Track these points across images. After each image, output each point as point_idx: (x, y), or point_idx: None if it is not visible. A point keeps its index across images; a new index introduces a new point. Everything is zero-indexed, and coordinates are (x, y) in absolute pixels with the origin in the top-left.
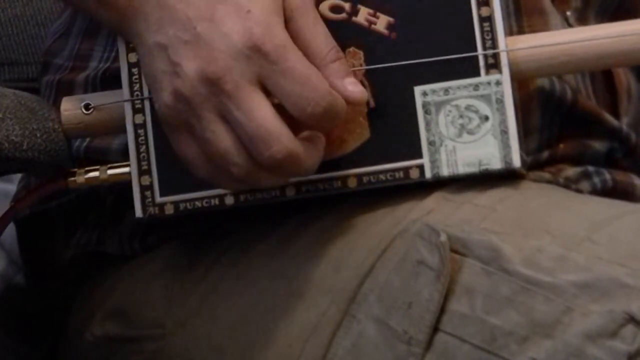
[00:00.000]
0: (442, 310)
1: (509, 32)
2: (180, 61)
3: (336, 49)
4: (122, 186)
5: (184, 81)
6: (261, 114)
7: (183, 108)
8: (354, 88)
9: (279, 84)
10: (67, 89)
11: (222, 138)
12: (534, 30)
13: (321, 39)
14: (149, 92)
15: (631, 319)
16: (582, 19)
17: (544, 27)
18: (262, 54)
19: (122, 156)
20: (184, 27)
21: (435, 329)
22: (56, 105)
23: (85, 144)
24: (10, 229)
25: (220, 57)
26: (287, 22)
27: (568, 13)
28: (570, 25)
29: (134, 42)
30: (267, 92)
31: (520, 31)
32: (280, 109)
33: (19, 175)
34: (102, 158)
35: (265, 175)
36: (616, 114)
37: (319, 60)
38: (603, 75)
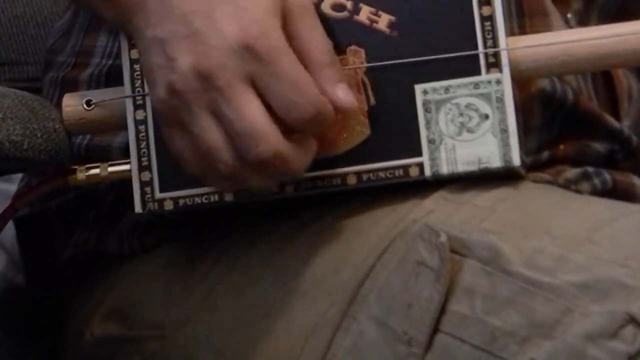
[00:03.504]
0: (442, 310)
1: (511, 33)
2: (176, 55)
3: (331, 53)
4: (122, 185)
5: (177, 75)
6: (250, 112)
7: (176, 102)
8: (344, 96)
9: (269, 86)
10: (71, 86)
11: (210, 134)
12: (535, 31)
13: (318, 42)
14: None
15: (631, 320)
16: (583, 21)
17: (546, 28)
18: (254, 54)
19: (124, 155)
20: (182, 22)
21: (435, 329)
22: (57, 105)
23: (86, 142)
24: (11, 230)
25: (215, 53)
26: (285, 24)
27: (569, 15)
28: (571, 27)
29: (134, 37)
30: (259, 92)
31: (522, 32)
32: (272, 110)
33: (19, 175)
34: (103, 156)
35: (251, 174)
36: (617, 116)
37: (313, 64)
38: (604, 77)
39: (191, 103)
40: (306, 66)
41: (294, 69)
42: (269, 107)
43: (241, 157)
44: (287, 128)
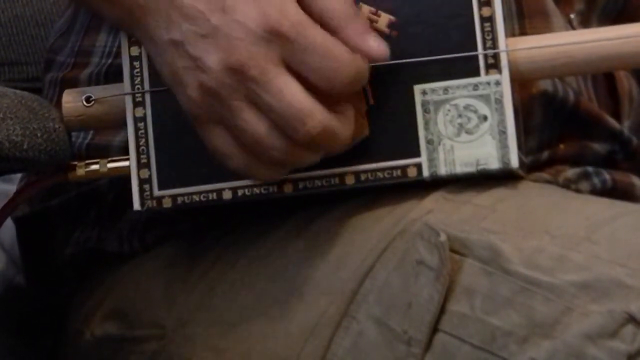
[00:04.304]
0: (441, 310)
1: (511, 34)
2: (201, 55)
3: (352, 6)
4: (123, 184)
5: (208, 75)
6: (290, 93)
7: (212, 101)
8: (377, 45)
9: (303, 62)
10: (71, 86)
11: (256, 125)
12: (536, 32)
13: (335, 0)
14: (150, 86)
15: (631, 319)
16: (585, 22)
17: (547, 29)
18: (280, 35)
19: (124, 154)
20: (198, 21)
21: (435, 329)
22: (57, 104)
23: (87, 141)
24: (10, 229)
25: (241, 45)
26: None
27: (572, 16)
28: (573, 28)
29: (144, 40)
30: (293, 71)
31: (523, 33)
32: (308, 85)
33: (19, 175)
34: (103, 156)
35: (303, 153)
36: (618, 118)
37: (337, 23)
38: (605, 79)
39: (229, 98)
40: (330, 29)
41: (322, 37)
42: (304, 83)
43: (291, 140)
44: (325, 100)
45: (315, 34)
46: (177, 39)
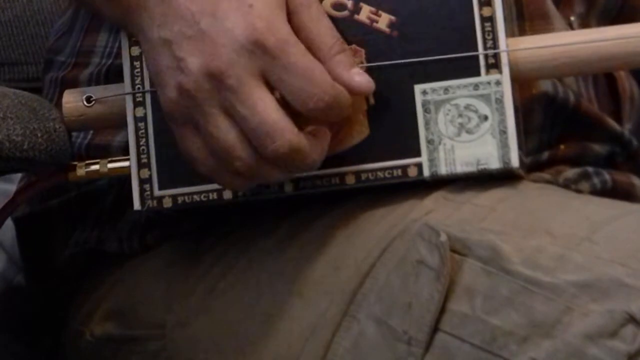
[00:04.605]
0: (442, 310)
1: (511, 36)
2: (185, 56)
3: (340, 41)
4: (122, 185)
5: (187, 76)
6: (264, 108)
7: (187, 103)
8: (361, 78)
9: (282, 79)
10: (71, 86)
11: (226, 132)
12: (536, 34)
13: (326, 31)
14: (151, 85)
15: (631, 319)
16: (585, 25)
17: (547, 31)
18: (264, 49)
19: (123, 154)
20: (188, 22)
21: (435, 329)
22: (57, 104)
23: (86, 141)
24: (10, 230)
25: (224, 52)
26: (291, 16)
27: (572, 18)
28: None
29: (138, 37)
30: (271, 87)
31: (523, 35)
32: (285, 103)
33: (19, 175)
34: (103, 156)
35: (269, 169)
36: (619, 120)
37: (324, 53)
38: (606, 80)
39: (203, 103)
40: (316, 56)
41: (305, 59)
42: (280, 101)
43: (258, 153)
44: (301, 121)
45: (299, 55)
46: (167, 38)
